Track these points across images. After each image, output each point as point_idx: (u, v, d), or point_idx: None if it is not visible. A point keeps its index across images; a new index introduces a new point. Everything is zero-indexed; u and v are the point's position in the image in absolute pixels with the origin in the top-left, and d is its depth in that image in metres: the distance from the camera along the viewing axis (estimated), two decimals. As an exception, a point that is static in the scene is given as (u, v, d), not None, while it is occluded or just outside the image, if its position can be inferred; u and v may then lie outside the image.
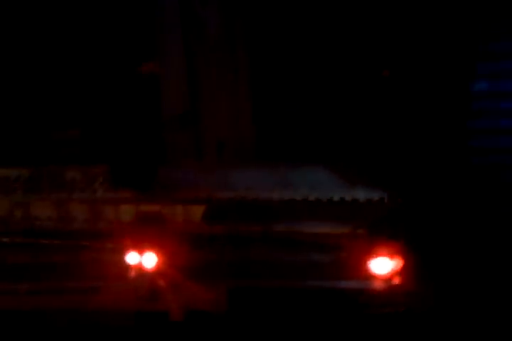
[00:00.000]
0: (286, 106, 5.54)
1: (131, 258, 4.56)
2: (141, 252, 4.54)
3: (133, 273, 4.57)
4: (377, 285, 4.31)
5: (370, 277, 4.32)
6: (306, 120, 5.47)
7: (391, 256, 4.28)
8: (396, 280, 4.30)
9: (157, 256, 4.54)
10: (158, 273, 4.55)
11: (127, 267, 4.57)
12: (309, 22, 5.43)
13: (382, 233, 4.33)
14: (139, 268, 4.56)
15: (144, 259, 4.55)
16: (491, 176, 4.54)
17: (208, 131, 5.66)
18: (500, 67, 4.61)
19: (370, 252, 4.31)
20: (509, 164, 4.62)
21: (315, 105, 5.45)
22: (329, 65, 5.37)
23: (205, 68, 5.62)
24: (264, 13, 5.53)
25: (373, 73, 5.23)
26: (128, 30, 5.63)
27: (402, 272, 4.29)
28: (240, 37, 5.59)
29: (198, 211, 4.66)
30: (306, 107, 5.48)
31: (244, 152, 5.63)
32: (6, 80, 5.56)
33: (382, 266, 4.30)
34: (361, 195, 4.51)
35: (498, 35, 4.66)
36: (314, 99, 5.45)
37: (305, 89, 5.48)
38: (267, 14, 5.53)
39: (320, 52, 5.40)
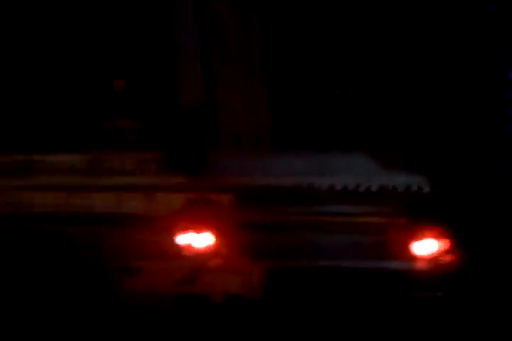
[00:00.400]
0: (306, 94, 5.71)
1: (182, 239, 4.78)
2: (196, 232, 4.74)
3: (183, 254, 4.78)
4: (421, 266, 4.61)
5: (414, 258, 4.61)
6: (330, 109, 5.64)
7: (433, 238, 4.58)
8: (439, 262, 4.60)
9: (209, 236, 4.76)
10: (210, 253, 4.77)
11: (178, 248, 4.77)
12: (323, 10, 5.60)
13: (424, 218, 4.62)
14: (189, 248, 4.77)
15: (195, 240, 4.77)
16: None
17: (225, 123, 5.85)
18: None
19: (412, 236, 4.61)
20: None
21: (346, 92, 5.57)
22: (356, 48, 5.47)
23: (221, 61, 5.80)
24: (280, 5, 5.71)
25: (406, 64, 5.35)
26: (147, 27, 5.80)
27: (445, 254, 4.59)
28: (256, 29, 5.75)
29: (240, 196, 4.90)
30: (332, 95, 5.63)
31: (262, 142, 5.84)
32: (68, 73, 5.70)
33: (425, 248, 4.60)
34: (401, 181, 4.77)
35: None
36: (343, 85, 5.58)
37: (329, 77, 5.60)
38: (282, 7, 5.71)
39: (341, 34, 5.51)
